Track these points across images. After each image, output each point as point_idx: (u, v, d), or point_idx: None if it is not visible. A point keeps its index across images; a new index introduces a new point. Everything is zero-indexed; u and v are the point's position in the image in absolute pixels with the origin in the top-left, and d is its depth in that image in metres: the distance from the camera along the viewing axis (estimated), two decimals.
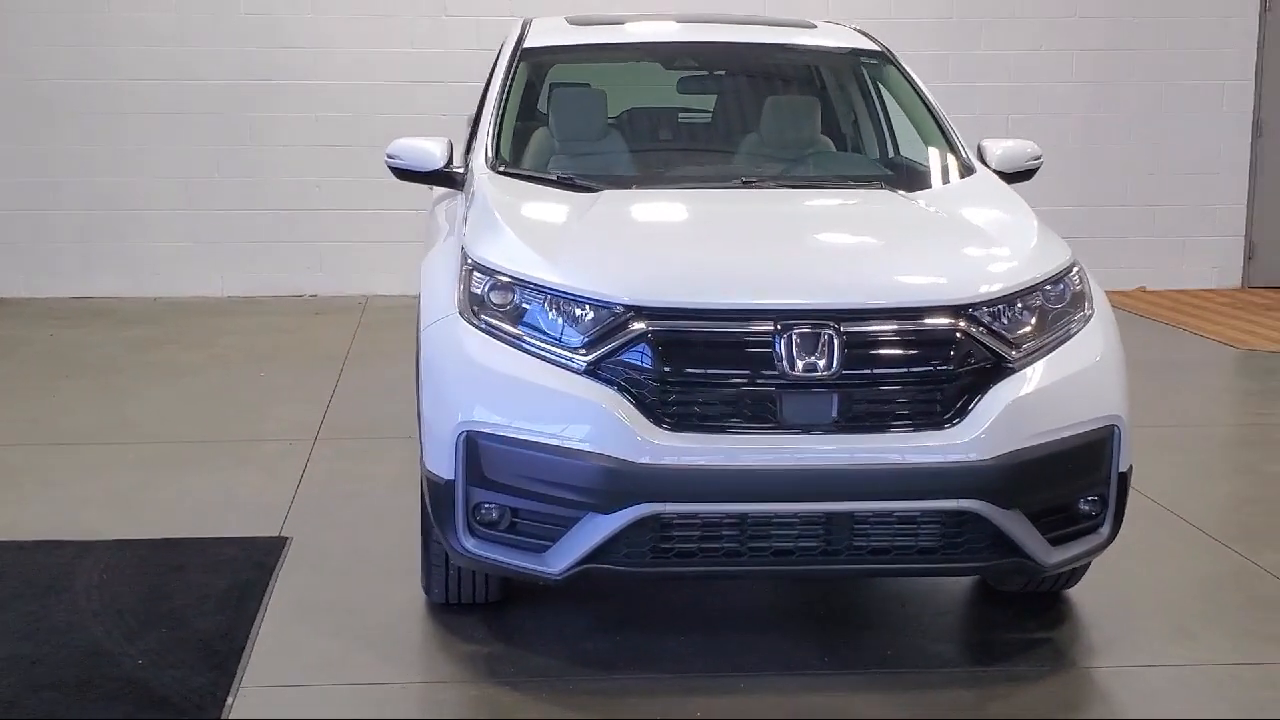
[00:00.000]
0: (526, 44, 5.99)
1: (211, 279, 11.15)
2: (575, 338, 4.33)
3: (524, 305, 4.44)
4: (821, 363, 4.22)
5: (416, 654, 4.74)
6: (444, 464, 4.41)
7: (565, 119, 5.98)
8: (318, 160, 11.11)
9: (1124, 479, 4.50)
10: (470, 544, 4.41)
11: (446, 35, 11.07)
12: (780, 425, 4.22)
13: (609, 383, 4.25)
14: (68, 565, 5.30)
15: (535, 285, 4.44)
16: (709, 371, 4.25)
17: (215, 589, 5.10)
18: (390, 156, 5.67)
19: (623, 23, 6.66)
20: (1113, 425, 4.43)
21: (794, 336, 4.22)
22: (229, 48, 10.95)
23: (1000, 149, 5.59)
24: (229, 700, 4.31)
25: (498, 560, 4.41)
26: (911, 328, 4.30)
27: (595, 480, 4.19)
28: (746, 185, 5.27)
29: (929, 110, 5.83)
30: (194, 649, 4.62)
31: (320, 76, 11.03)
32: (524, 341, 4.39)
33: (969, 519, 4.22)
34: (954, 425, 4.22)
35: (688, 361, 4.25)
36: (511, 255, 4.56)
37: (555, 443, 4.24)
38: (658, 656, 4.65)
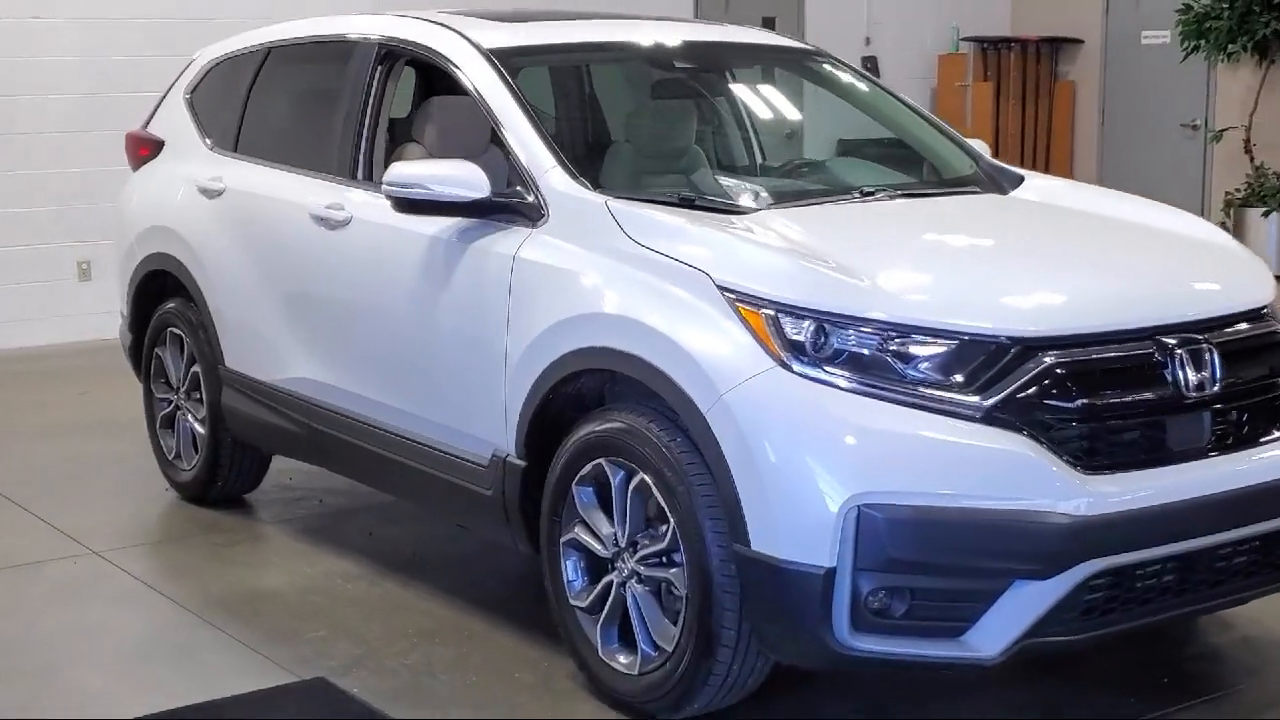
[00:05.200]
0: (490, 45, 5.01)
1: None
2: (958, 380, 3.68)
3: (870, 348, 3.72)
4: (1207, 378, 3.88)
5: None
6: (817, 549, 3.61)
7: (633, 131, 5.11)
8: None
9: None
10: (856, 640, 3.64)
11: None
12: (1193, 449, 3.83)
13: (1014, 427, 3.65)
14: None
15: (885, 324, 3.72)
16: (1119, 401, 3.78)
17: None
18: (402, 186, 4.57)
19: (560, 19, 5.76)
20: None
21: (1184, 354, 3.86)
22: None
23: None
24: None
25: (897, 654, 3.68)
26: (1259, 331, 4.08)
27: (1030, 542, 3.59)
28: (867, 197, 4.69)
29: (912, 110, 5.50)
30: None
31: None
32: (894, 391, 3.67)
33: None
34: None
35: (1096, 393, 3.75)
36: (833, 290, 3.80)
37: (969, 505, 3.59)
38: None
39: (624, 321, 4.06)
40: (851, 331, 3.73)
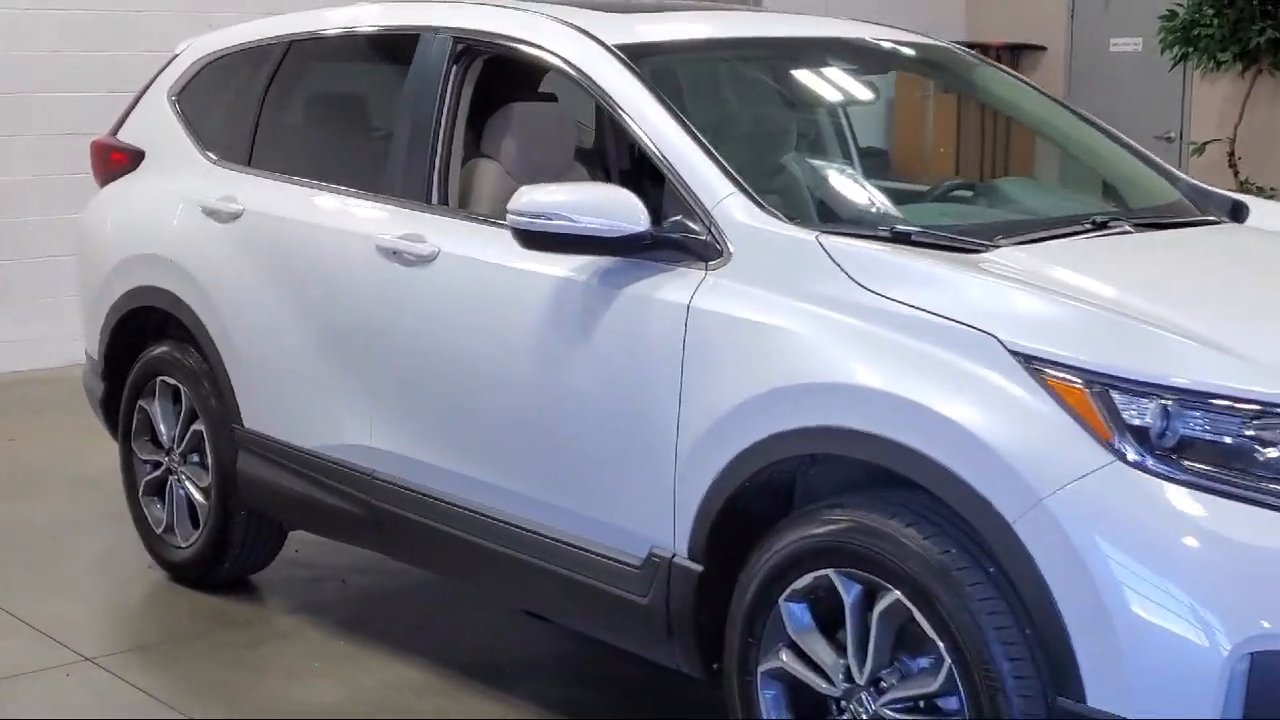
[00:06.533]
0: (618, 41, 4.07)
1: None
2: None
3: (1231, 434, 2.88)
4: None
5: None
6: (1193, 708, 2.75)
7: (786, 147, 4.17)
8: None
9: None
10: None
11: None
12: None
13: None
14: None
15: (1262, 403, 2.87)
16: None
17: None
18: (534, 217, 3.63)
19: (663, 10, 4.81)
20: None
21: None
22: None
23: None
24: None
25: None
26: None
27: None
28: (1099, 228, 3.82)
29: (1090, 123, 4.68)
30: None
31: None
32: (1273, 493, 2.82)
33: None
34: None
35: None
36: (1181, 359, 2.94)
37: None
38: None
39: (873, 396, 3.15)
40: (1208, 413, 2.87)
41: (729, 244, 3.54)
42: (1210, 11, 10.93)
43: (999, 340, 3.04)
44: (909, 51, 4.75)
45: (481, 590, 4.32)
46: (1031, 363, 2.99)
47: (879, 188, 4.24)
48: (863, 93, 4.67)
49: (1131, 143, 4.59)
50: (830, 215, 3.88)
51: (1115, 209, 4.23)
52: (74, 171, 8.68)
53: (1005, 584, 2.99)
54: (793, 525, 3.34)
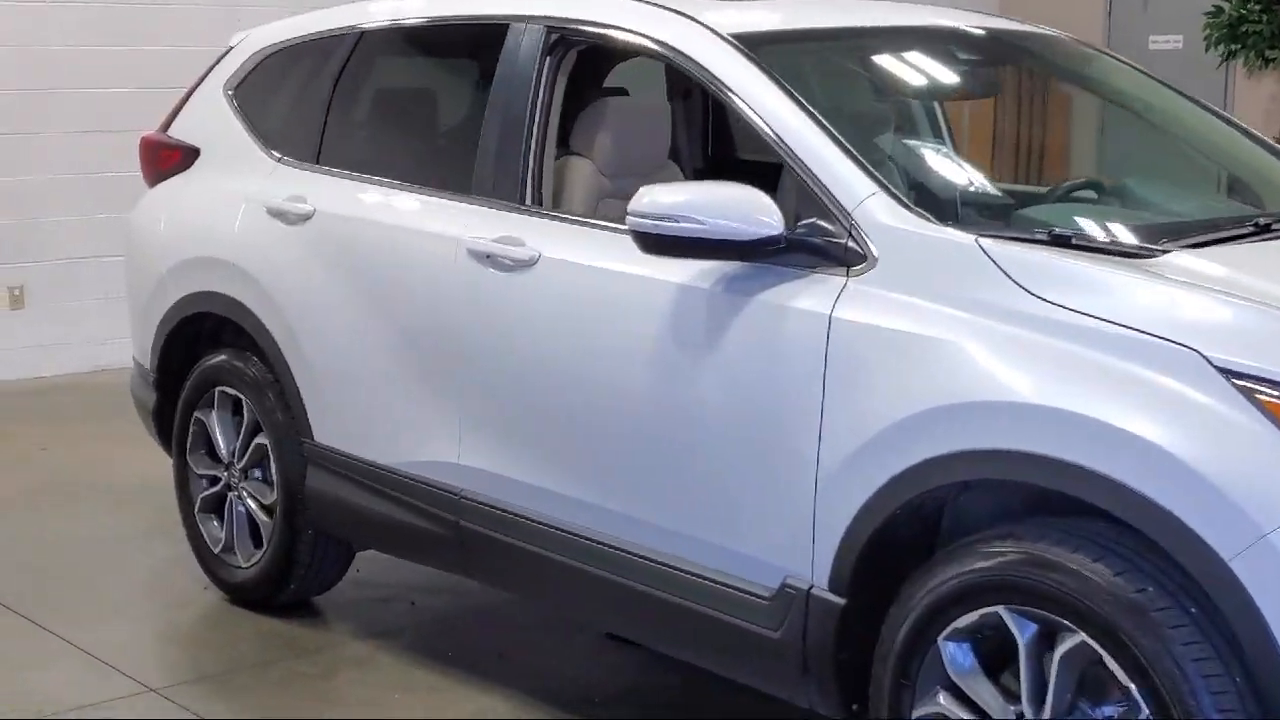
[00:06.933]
0: (733, 30, 3.78)
1: None
2: None
3: None
4: None
5: None
6: None
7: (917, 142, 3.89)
8: None
9: None
10: None
11: None
12: None
13: None
14: None
15: None
16: None
17: None
18: (659, 219, 3.34)
19: None
20: None
21: None
22: None
23: None
24: None
25: None
26: None
27: None
28: (1262, 231, 3.54)
29: (1229, 123, 4.40)
30: None
31: None
32: None
33: None
34: None
35: None
36: None
37: None
38: None
39: (1057, 418, 2.86)
40: None
41: (873, 248, 3.25)
42: (1258, 8, 10.68)
43: (1202, 355, 2.76)
44: (1024, 42, 4.47)
45: (583, 618, 4.03)
46: (1242, 380, 2.70)
47: (1009, 189, 3.96)
48: (985, 85, 4.40)
49: (1266, 139, 4.31)
50: (970, 217, 3.59)
51: (1259, 210, 3.94)
52: (95, 171, 8.42)
53: (1210, 626, 2.71)
54: (955, 557, 3.06)
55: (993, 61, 4.59)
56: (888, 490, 3.11)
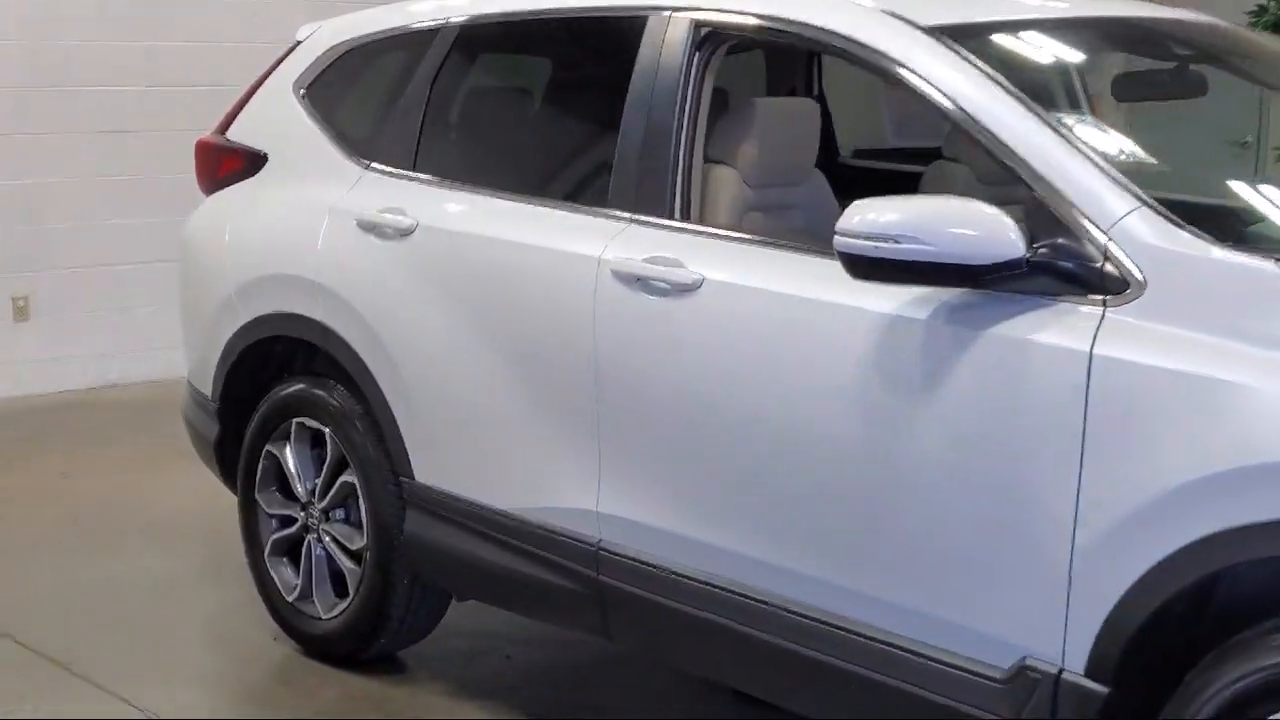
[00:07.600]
0: (932, 22, 3.32)
1: None
2: None
3: None
4: None
5: None
6: None
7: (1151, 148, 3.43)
8: None
9: None
10: None
11: None
12: None
13: None
14: None
15: None
16: None
17: None
18: (878, 240, 2.88)
19: None
20: None
21: None
22: None
23: None
24: None
25: None
26: None
27: None
28: None
29: None
30: None
31: None
32: None
33: None
34: None
35: None
36: None
37: None
38: None
39: None
40: None
41: (1137, 273, 2.80)
42: None
43: None
44: (1224, 40, 4.06)
45: (754, 692, 3.56)
46: None
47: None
48: (1196, 85, 3.99)
49: None
50: (1240, 235, 3.14)
51: None
52: (106, 173, 7.92)
53: None
54: (1260, 645, 2.61)
55: (1198, 59, 4.17)
56: (1171, 565, 2.66)
